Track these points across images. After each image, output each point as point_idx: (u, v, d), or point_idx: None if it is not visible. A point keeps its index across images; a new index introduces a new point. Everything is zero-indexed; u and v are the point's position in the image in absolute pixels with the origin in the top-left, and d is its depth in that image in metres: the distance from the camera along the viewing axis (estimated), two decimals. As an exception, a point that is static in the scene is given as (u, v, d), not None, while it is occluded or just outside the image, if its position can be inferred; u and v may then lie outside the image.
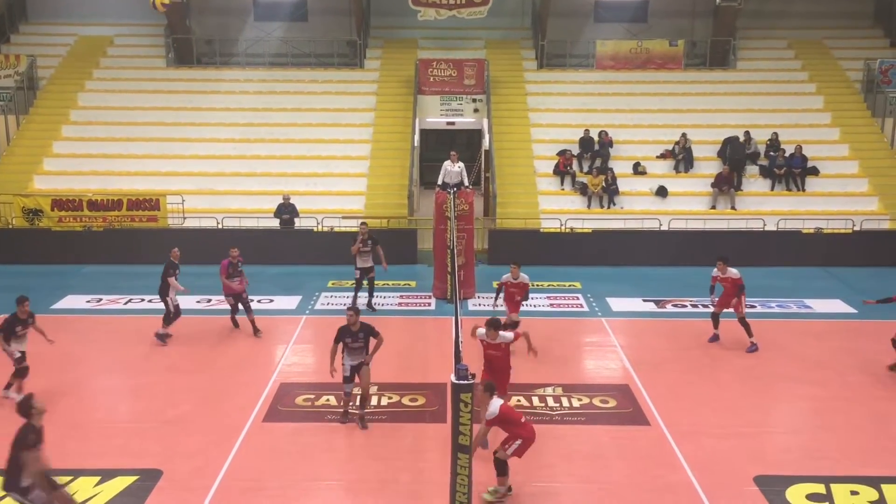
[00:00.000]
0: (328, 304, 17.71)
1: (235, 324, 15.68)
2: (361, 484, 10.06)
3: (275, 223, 21.41)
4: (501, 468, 9.31)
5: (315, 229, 21.29)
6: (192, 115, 25.14)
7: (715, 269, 14.89)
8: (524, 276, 14.59)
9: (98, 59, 27.61)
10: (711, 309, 15.26)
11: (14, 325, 12.19)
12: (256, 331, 15.39)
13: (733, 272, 14.75)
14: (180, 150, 23.98)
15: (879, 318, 16.57)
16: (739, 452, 10.81)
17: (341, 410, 11.83)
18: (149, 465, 10.40)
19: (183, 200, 21.84)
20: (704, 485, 10.00)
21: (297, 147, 24.22)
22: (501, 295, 14.68)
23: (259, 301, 17.74)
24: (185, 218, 21.81)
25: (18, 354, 12.26)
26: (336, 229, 21.33)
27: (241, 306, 15.46)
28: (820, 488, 9.92)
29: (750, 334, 14.72)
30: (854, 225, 21.41)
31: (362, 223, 17.34)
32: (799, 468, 10.40)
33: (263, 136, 24.55)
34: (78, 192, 22.06)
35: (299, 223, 21.50)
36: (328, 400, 12.46)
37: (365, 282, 16.91)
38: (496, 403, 8.86)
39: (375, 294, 17.22)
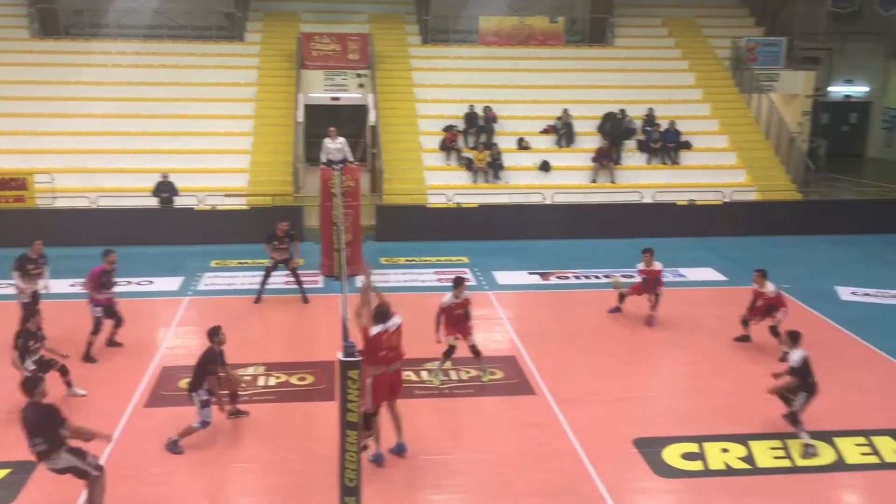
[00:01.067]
0: (212, 284, 17.28)
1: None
2: (249, 465, 9.94)
3: (153, 202, 20.65)
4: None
5: (196, 208, 20.66)
6: (61, 90, 23.83)
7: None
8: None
9: (-47, 29, 25.79)
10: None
11: None
12: (117, 343, 13.62)
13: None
14: (48, 126, 22.71)
15: (746, 286, 17.51)
16: (620, 417, 11.26)
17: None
18: (22, 456, 9.90)
19: (53, 179, 20.75)
20: (587, 449, 10.38)
21: (176, 123, 23.35)
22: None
23: (139, 283, 17.16)
24: (55, 198, 20.74)
25: None
26: (219, 207, 20.77)
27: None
28: (694, 447, 10.46)
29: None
30: (724, 197, 22.49)
31: (282, 223, 16.14)
32: (674, 429, 10.93)
33: (139, 111, 23.53)
34: (-65, 172, 20.63)
35: (179, 201, 20.82)
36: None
37: (278, 271, 16.11)
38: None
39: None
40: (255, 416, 11.20)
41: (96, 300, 13.18)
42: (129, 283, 17.13)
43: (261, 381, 12.25)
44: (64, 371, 11.62)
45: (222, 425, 10.94)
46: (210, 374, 10.37)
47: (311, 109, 26.22)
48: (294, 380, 12.36)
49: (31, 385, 8.59)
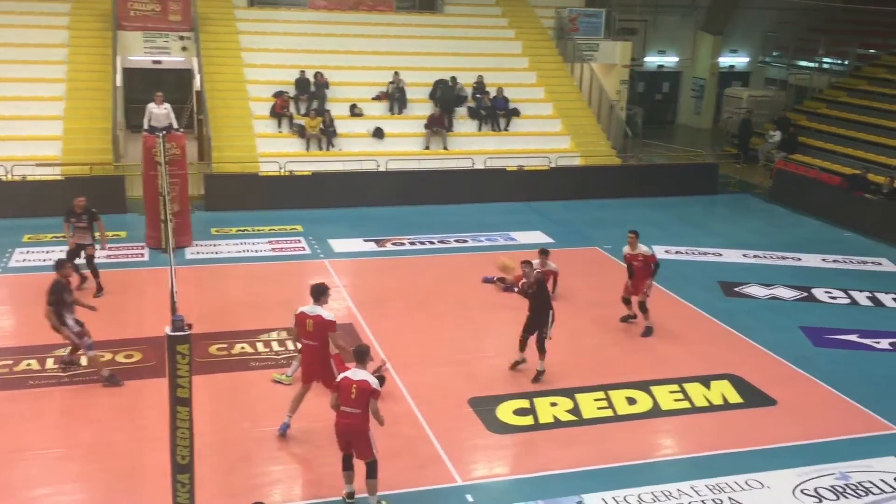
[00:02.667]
0: (24, 260, 16.10)
1: None
2: (72, 450, 9.44)
3: (-47, 173, 18.92)
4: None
5: (3, 178, 19.11)
6: None
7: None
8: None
9: None
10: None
11: None
12: None
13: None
14: None
15: (573, 247, 18.39)
16: (455, 379, 11.58)
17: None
18: None
19: None
20: (424, 412, 10.61)
21: (-24, 86, 21.41)
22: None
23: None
24: None
25: None
26: (29, 178, 19.30)
27: None
28: (525, 403, 10.94)
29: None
30: (550, 162, 23.37)
31: (79, 197, 14.43)
32: (507, 387, 11.38)
33: (-69, 73, 21.39)
34: None
35: (-17, 172, 19.18)
36: (29, 364, 11.45)
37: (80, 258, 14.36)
38: None
39: None
40: (77, 399, 10.63)
41: None
42: None
43: (83, 360, 11.60)
44: None
45: (41, 410, 10.30)
46: (66, 303, 10.64)
47: (130, 73, 24.80)
48: (121, 357, 11.81)
49: None
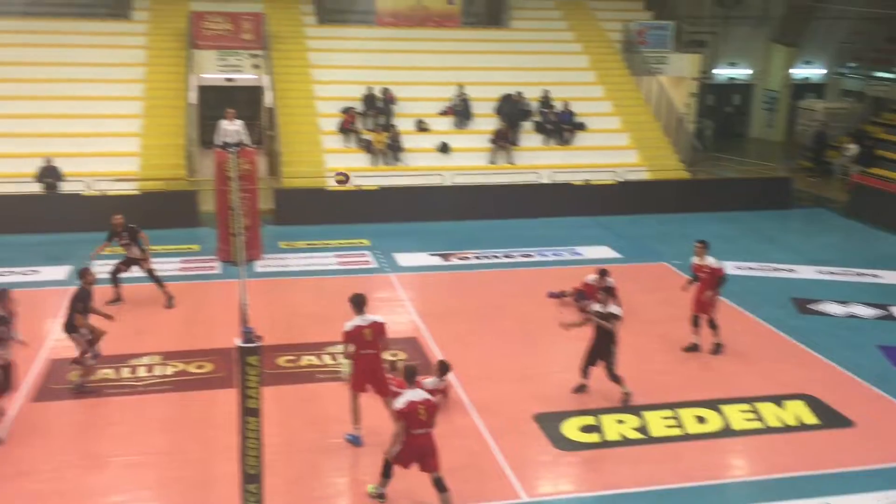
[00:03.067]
0: (101, 273, 16.56)
1: None
2: (145, 458, 9.69)
3: (37, 188, 19.69)
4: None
5: (83, 193, 19.82)
6: (-70, 69, 22.39)
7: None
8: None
9: None
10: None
11: None
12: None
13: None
14: (-82, 108, 21.32)
15: (641, 262, 18.15)
16: (520, 394, 11.51)
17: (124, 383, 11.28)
18: None
19: (-75, 165, 19.52)
20: (489, 426, 10.58)
21: (60, 105, 22.24)
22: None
23: (23, 273, 16.38)
24: (-72, 184, 19.53)
25: None
26: (108, 193, 19.97)
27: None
28: (591, 420, 10.81)
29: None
30: (617, 176, 23.14)
31: (116, 216, 14.98)
32: (573, 404, 11.26)
33: (20, 92, 22.31)
34: None
35: (66, 187, 19.92)
36: (106, 374, 11.80)
37: (130, 271, 14.95)
38: None
39: (154, 264, 15.39)
40: (151, 407, 10.92)
41: None
42: (13, 272, 16.34)
43: (157, 371, 11.92)
44: None
45: (117, 418, 10.61)
46: (80, 311, 11.03)
47: (204, 91, 25.50)
48: (192, 368, 12.09)
49: None
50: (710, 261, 13.17)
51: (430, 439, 8.59)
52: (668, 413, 11.06)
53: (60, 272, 16.47)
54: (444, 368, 11.00)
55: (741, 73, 34.97)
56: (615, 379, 11.28)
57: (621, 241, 19.73)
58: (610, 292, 11.71)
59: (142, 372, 11.90)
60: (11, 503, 8.71)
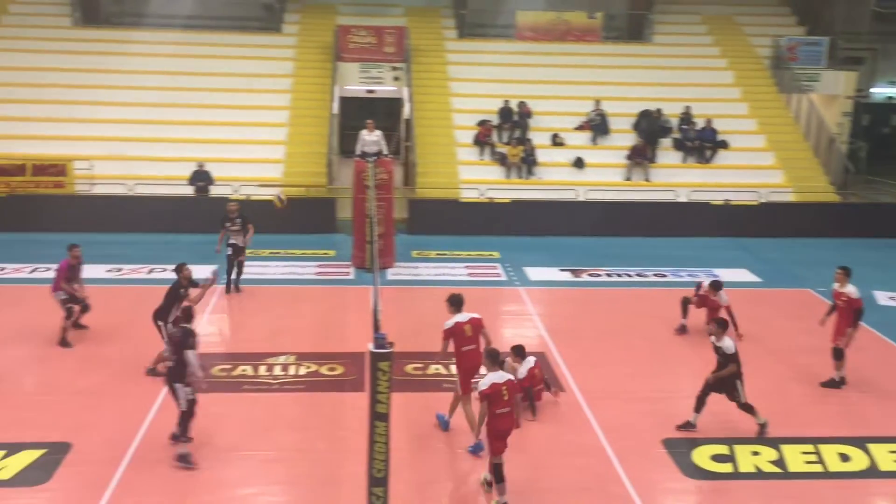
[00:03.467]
0: (245, 273, 17.40)
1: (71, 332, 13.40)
2: (278, 453, 10.03)
3: (189, 190, 20.88)
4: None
5: (231, 197, 20.83)
6: (101, 78, 24.15)
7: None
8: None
9: (-2, 17, 26.27)
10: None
11: None
12: (82, 326, 13.64)
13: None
14: (88, 113, 23.04)
15: (782, 287, 17.33)
16: (649, 416, 11.18)
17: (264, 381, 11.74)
18: (57, 437, 10.11)
19: (92, 166, 21.06)
20: (615, 447, 10.33)
21: (213, 113, 23.57)
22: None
23: (174, 271, 17.32)
24: (93, 184, 21.05)
25: None
26: (253, 197, 20.93)
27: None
28: (724, 449, 10.36)
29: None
30: (760, 197, 22.21)
31: (231, 203, 16.41)
32: (704, 431, 10.81)
33: (177, 100, 23.79)
34: (-22, 157, 21.04)
35: (215, 191, 21.02)
36: (245, 370, 12.33)
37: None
38: None
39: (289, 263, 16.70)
40: (284, 405, 11.31)
41: (60, 288, 13.10)
42: (165, 270, 17.34)
43: (291, 370, 12.35)
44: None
45: (253, 414, 11.05)
46: (177, 300, 11.78)
47: (345, 102, 26.32)
48: (324, 370, 12.45)
49: None
50: (850, 290, 12.30)
51: (512, 419, 9.08)
52: (808, 448, 10.46)
53: (207, 271, 17.31)
54: (520, 352, 11.14)
55: (901, 91, 32.89)
56: (746, 409, 10.73)
57: (762, 265, 18.91)
58: (722, 325, 10.80)
59: (277, 371, 12.35)
60: (153, 488, 9.21)
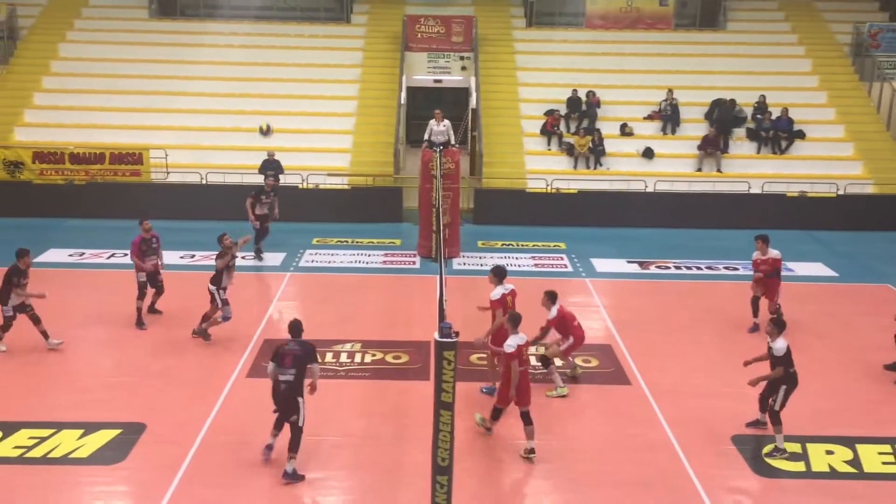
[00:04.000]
0: (312, 261, 17.69)
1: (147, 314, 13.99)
2: (345, 439, 10.17)
3: (260, 179, 21.23)
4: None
5: (300, 186, 21.16)
6: (176, 69, 24.75)
7: (755, 252, 13.80)
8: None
9: (79, 9, 27.07)
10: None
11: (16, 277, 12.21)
12: (156, 311, 14.22)
13: (774, 253, 13.82)
14: (164, 103, 23.66)
15: (860, 282, 16.78)
16: (718, 412, 10.96)
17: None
18: (132, 418, 10.44)
19: (166, 155, 21.61)
20: (683, 443, 10.16)
21: (283, 103, 23.92)
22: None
23: (244, 258, 17.71)
24: (168, 173, 21.62)
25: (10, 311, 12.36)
26: (321, 186, 21.21)
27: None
28: (796, 447, 10.10)
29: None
30: (838, 189, 21.52)
31: (269, 178, 18.10)
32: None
33: (248, 90, 24.23)
34: (60, 145, 21.78)
35: (284, 180, 21.34)
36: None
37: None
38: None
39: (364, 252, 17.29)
40: (350, 392, 11.44)
41: (140, 267, 13.60)
42: (237, 256, 17.71)
43: (357, 358, 12.49)
44: (36, 320, 12.49)
45: (319, 400, 11.21)
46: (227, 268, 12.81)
47: (412, 91, 26.41)
48: (389, 358, 12.55)
49: None
50: None
51: (528, 376, 10.00)
52: (885, 448, 10.13)
53: (277, 258, 17.66)
54: (499, 273, 11.53)
55: None
56: (773, 417, 10.06)
57: (838, 259, 18.34)
58: (779, 325, 10.21)
59: (343, 358, 12.50)
60: (225, 467, 9.44)
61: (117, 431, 10.12)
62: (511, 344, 9.74)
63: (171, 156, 21.69)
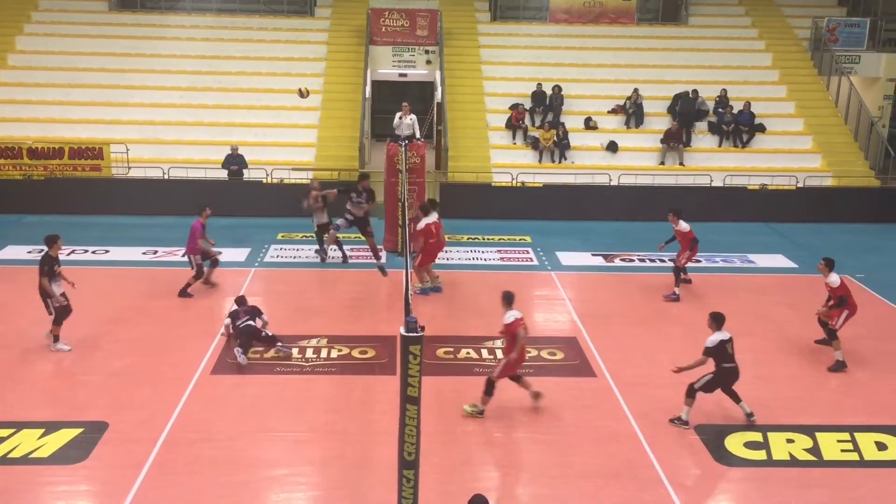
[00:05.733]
0: (278, 256, 17.56)
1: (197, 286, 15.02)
2: (310, 434, 10.12)
3: (223, 174, 21.04)
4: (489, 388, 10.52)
5: (264, 181, 20.98)
6: (137, 62, 24.38)
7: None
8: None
9: (37, 1, 26.55)
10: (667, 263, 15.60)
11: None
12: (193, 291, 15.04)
13: (684, 226, 15.33)
14: (124, 97, 23.30)
15: (818, 274, 17.03)
16: (681, 403, 11.05)
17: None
18: (94, 417, 10.29)
19: (127, 150, 21.29)
20: (647, 434, 10.27)
21: (246, 97, 23.70)
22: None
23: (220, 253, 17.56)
24: (129, 168, 21.31)
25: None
26: (286, 181, 21.05)
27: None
28: (757, 436, 10.26)
29: (677, 283, 15.31)
30: (798, 182, 21.86)
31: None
32: (738, 418, 10.71)
33: (211, 84, 23.97)
34: (17, 140, 21.35)
35: (248, 174, 21.17)
36: (278, 352, 12.42)
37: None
38: None
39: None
40: (316, 387, 11.39)
41: (195, 250, 14.69)
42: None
43: (323, 353, 12.44)
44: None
45: (286, 395, 11.15)
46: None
47: (377, 85, 26.29)
48: (356, 353, 12.51)
49: None
50: (831, 279, 12.60)
51: (524, 349, 10.57)
52: (844, 436, 10.32)
53: (241, 254, 17.50)
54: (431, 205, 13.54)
55: (945, 73, 32.01)
56: (688, 395, 10.42)
57: (798, 251, 18.63)
58: (718, 319, 10.42)
59: (309, 353, 12.44)
60: (190, 464, 9.35)
61: (79, 430, 9.97)
62: (509, 317, 10.32)
63: (133, 150, 21.37)
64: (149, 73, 24.05)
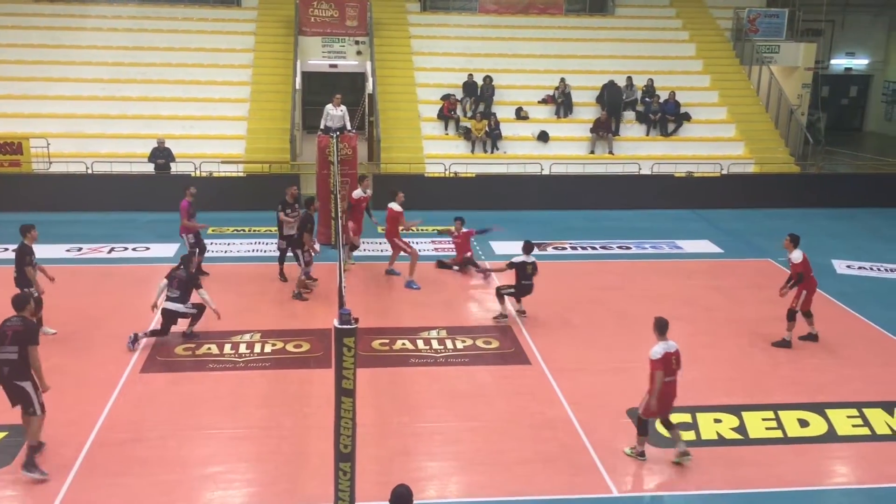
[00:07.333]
0: (208, 251, 17.20)
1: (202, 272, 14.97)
2: (244, 431, 9.99)
3: (149, 168, 20.55)
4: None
5: (193, 174, 20.57)
6: (56, 53, 23.62)
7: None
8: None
9: (-53, -10, 25.50)
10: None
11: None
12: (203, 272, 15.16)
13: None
14: (43, 90, 22.55)
15: (742, 258, 17.58)
16: (614, 387, 11.31)
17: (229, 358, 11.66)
18: (19, 420, 9.96)
19: (48, 144, 20.63)
20: (581, 419, 10.45)
21: (172, 88, 23.18)
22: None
23: (135, 249, 17.17)
24: (50, 163, 20.64)
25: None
26: (215, 174, 20.68)
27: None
28: (687, 418, 10.51)
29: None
30: (722, 169, 22.45)
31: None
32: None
33: (134, 76, 23.36)
34: (-71, 135, 20.50)
35: (176, 168, 20.72)
36: (209, 349, 12.24)
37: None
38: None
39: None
40: (250, 383, 11.26)
41: (187, 229, 14.86)
42: (126, 249, 17.15)
43: (256, 348, 12.28)
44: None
45: (219, 392, 10.99)
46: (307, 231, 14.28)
47: (308, 77, 26.00)
48: (290, 347, 12.39)
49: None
50: (794, 256, 12.64)
51: (676, 386, 9.42)
52: (768, 414, 10.68)
53: (170, 249, 17.14)
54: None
55: (859, 63, 33.31)
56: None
57: (724, 236, 19.15)
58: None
59: (243, 349, 12.28)
60: (119, 466, 9.14)
61: (2, 434, 9.65)
62: (658, 351, 9.22)
63: (54, 145, 20.72)
64: (69, 65, 23.32)
